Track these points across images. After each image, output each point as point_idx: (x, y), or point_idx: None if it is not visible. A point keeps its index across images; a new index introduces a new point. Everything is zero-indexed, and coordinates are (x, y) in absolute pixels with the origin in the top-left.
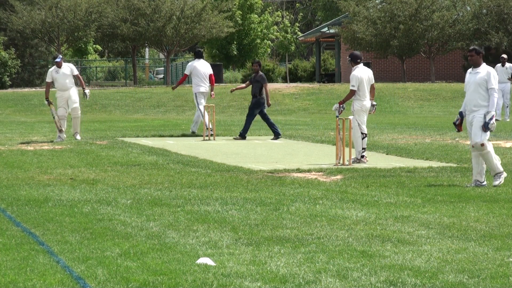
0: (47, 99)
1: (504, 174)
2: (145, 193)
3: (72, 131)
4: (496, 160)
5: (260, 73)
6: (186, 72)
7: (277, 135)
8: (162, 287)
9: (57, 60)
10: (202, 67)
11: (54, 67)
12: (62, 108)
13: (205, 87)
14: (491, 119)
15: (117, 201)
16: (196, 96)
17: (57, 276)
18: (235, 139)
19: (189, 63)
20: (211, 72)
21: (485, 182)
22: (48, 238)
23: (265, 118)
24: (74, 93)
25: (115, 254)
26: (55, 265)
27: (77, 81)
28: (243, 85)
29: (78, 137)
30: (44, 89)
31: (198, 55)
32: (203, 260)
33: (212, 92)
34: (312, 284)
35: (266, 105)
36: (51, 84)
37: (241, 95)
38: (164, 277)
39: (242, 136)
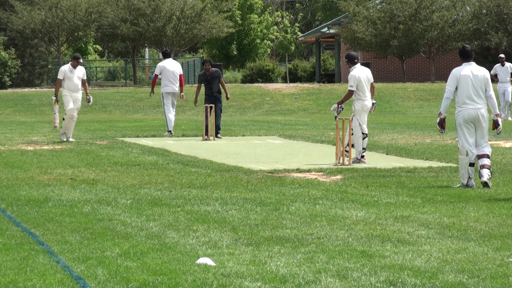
0: (56, 95)
1: (471, 187)
2: (145, 193)
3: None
4: (464, 172)
5: (213, 69)
6: (156, 72)
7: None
8: (162, 287)
9: (81, 60)
10: (171, 66)
11: (68, 66)
12: (72, 108)
13: (172, 87)
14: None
15: (117, 201)
16: (163, 96)
17: (57, 276)
18: (218, 138)
19: (159, 64)
20: (181, 72)
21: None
22: (48, 238)
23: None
24: (80, 97)
25: (115, 254)
26: (55, 265)
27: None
28: (197, 88)
29: (71, 139)
30: (52, 89)
31: (166, 55)
32: (203, 260)
33: (182, 93)
34: (312, 284)
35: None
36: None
37: (241, 95)
38: (164, 277)
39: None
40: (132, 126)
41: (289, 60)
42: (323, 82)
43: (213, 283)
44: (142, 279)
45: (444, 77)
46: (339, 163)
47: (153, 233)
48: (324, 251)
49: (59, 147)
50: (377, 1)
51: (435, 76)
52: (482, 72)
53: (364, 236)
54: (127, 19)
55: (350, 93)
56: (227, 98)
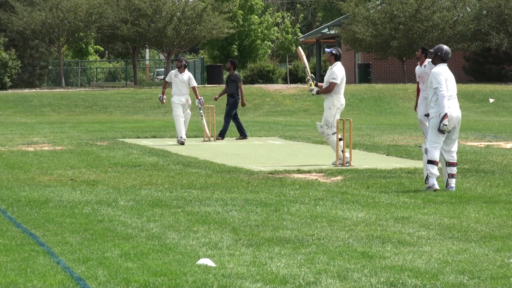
0: (162, 95)
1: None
2: (146, 194)
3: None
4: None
5: (235, 72)
6: None
7: (244, 136)
8: None
9: (183, 62)
10: None
11: (175, 70)
12: (179, 109)
13: None
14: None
15: (117, 202)
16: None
17: (58, 277)
18: (216, 139)
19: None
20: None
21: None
22: (48, 239)
23: (236, 119)
24: (188, 101)
25: (116, 255)
26: (55, 266)
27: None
28: (223, 88)
29: (182, 139)
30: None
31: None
32: (204, 261)
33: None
34: (312, 285)
35: (240, 105)
36: (167, 84)
37: None
38: (164, 278)
39: (222, 136)
40: (132, 127)
41: (289, 61)
42: None
43: (214, 284)
44: (143, 280)
45: None
46: (339, 164)
47: (153, 234)
48: (325, 252)
49: (60, 147)
50: (377, 2)
51: None
52: None
53: (365, 237)
54: (127, 20)
55: (332, 86)
56: (243, 105)
